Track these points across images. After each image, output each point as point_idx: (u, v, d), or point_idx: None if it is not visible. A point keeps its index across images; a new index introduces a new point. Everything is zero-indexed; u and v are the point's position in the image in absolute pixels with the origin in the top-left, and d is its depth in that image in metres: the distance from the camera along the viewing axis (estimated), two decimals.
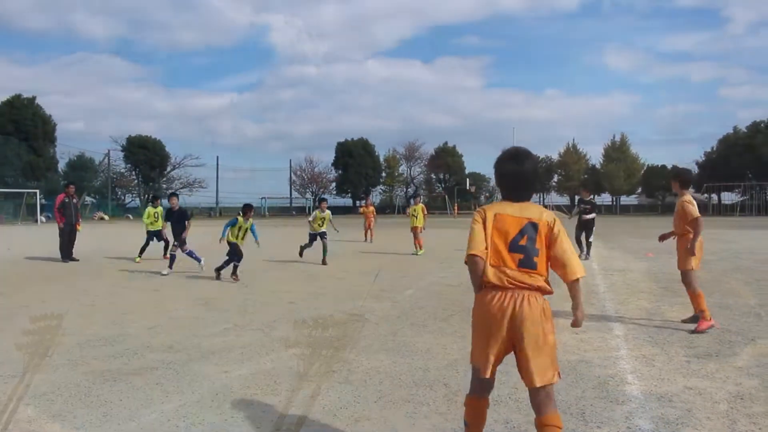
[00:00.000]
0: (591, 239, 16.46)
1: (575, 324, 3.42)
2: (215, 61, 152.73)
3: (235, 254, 11.76)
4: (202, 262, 12.86)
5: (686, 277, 7.32)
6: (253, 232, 12.20)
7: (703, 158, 75.42)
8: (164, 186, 76.90)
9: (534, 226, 3.30)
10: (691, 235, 7.21)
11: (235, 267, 11.71)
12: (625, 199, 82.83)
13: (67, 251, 16.03)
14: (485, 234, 3.31)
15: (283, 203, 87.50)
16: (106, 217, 59.37)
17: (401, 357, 5.94)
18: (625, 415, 4.32)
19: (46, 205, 50.10)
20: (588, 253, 16.21)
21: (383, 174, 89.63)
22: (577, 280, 3.31)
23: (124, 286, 11.13)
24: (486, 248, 3.29)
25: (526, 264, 3.25)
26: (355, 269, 13.99)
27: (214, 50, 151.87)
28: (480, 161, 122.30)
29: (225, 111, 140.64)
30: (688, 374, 5.30)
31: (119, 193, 73.24)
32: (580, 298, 3.37)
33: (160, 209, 16.35)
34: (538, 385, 3.20)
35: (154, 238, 15.99)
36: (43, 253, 17.81)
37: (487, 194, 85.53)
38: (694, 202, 7.34)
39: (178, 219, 13.33)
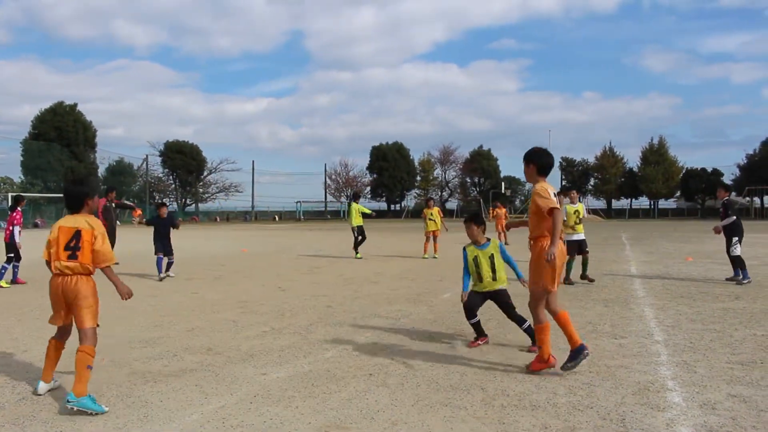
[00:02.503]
0: (732, 251, 11.55)
1: (125, 296, 5.08)
2: (252, 67, 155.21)
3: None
4: (162, 274, 12.95)
5: (533, 297, 5.45)
6: (508, 260, 6.52)
7: (745, 161, 73.84)
8: (201, 190, 77.97)
9: (79, 232, 4.83)
10: (548, 240, 5.33)
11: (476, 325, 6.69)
12: (663, 203, 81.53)
13: None
14: (52, 241, 4.86)
15: (318, 207, 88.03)
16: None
17: (438, 361, 5.92)
18: (666, 422, 4.24)
19: None
20: (738, 273, 11.49)
21: (418, 178, 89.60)
22: (108, 266, 4.90)
23: (164, 289, 11.30)
24: (49, 251, 4.88)
25: (73, 257, 4.82)
26: (390, 273, 14.00)
27: (251, 56, 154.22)
28: (515, 165, 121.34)
29: (261, 116, 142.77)
30: (731, 381, 5.18)
31: (157, 197, 74.42)
32: (115, 278, 4.97)
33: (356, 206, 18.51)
34: (82, 327, 4.80)
35: (359, 234, 17.93)
36: None
37: (523, 198, 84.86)
38: (549, 191, 5.37)
39: (166, 225, 13.41)
